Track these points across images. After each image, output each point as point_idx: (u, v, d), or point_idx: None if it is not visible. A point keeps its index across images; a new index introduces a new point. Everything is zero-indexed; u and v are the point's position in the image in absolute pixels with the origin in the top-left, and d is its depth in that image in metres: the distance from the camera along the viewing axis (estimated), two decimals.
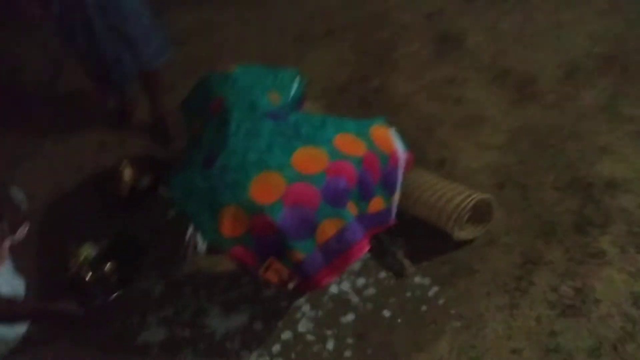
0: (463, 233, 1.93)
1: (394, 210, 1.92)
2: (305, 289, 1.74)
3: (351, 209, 1.71)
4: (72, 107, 3.01)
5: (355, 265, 1.98)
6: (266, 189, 1.67)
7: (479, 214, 1.96)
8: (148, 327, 1.94)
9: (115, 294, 1.94)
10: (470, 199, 1.89)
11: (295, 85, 2.28)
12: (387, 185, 1.86)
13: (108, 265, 2.03)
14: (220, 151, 1.78)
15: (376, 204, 1.82)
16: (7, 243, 1.85)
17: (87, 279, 2.00)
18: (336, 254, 1.67)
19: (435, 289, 1.87)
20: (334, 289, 1.93)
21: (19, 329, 1.95)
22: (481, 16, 2.94)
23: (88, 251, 2.09)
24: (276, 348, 1.80)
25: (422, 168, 2.11)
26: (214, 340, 1.86)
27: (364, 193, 1.77)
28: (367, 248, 1.70)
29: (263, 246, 1.68)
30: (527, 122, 2.33)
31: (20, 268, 2.01)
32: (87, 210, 2.38)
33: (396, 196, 1.92)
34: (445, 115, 2.47)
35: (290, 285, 1.71)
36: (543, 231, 1.93)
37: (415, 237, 2.01)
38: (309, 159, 1.72)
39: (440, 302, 1.83)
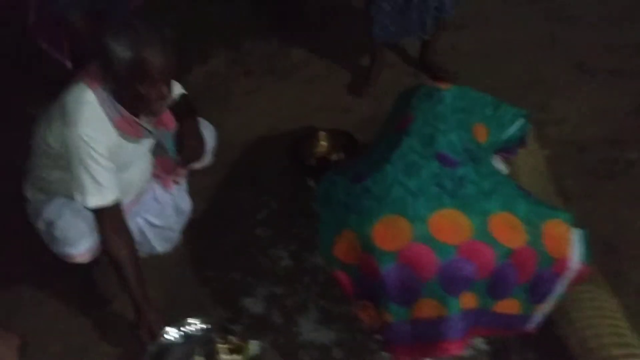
0: None
1: (536, 319, 1.61)
2: (387, 350, 1.58)
3: (465, 300, 1.47)
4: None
5: (469, 349, 1.73)
6: (389, 233, 1.52)
7: None
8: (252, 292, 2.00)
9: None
10: (629, 357, 1.48)
11: (514, 127, 2.02)
12: (535, 292, 1.55)
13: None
14: (372, 172, 1.66)
15: (507, 305, 1.54)
16: (184, 170, 2.05)
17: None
18: (424, 338, 1.47)
19: None
20: None
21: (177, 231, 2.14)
22: None
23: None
24: None
25: (596, 285, 1.71)
26: (296, 339, 1.84)
27: (493, 289, 1.50)
28: (458, 350, 1.46)
29: (364, 285, 1.56)
30: None
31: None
32: (274, 164, 2.47)
33: (545, 306, 1.60)
34: None
35: (378, 337, 1.58)
36: None
37: (544, 350, 1.68)
38: (449, 224, 1.50)
39: None
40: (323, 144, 2.48)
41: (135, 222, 1.94)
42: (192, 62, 3.13)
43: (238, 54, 3.26)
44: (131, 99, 1.61)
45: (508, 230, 1.51)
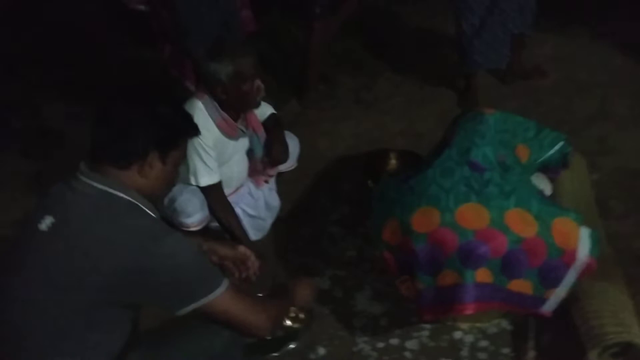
0: None
1: (551, 304, 1.92)
2: (418, 312, 1.95)
3: (480, 274, 1.82)
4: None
5: (493, 329, 2.05)
6: (424, 220, 1.91)
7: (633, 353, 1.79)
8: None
9: None
10: (624, 333, 1.75)
11: (553, 149, 2.33)
12: (545, 276, 1.87)
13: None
14: (417, 175, 2.07)
15: (520, 285, 1.86)
16: (274, 170, 2.57)
17: None
18: (444, 301, 1.84)
19: None
20: (457, 334, 2.06)
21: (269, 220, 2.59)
22: None
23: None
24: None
25: (610, 282, 1.97)
26: (352, 309, 2.22)
27: (507, 269, 1.84)
28: (469, 311, 1.80)
29: (403, 261, 1.96)
30: None
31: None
32: (350, 178, 2.91)
33: (558, 292, 1.90)
34: None
35: (413, 305, 1.96)
36: None
37: (560, 334, 1.96)
38: (471, 214, 1.87)
39: None
40: (393, 162, 2.89)
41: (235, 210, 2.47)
42: (290, 94, 3.70)
43: (330, 85, 3.79)
44: (237, 98, 2.18)
45: (521, 222, 1.85)
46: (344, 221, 2.67)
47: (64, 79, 3.87)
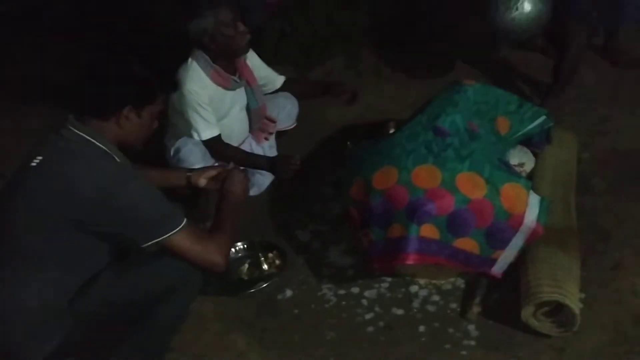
0: (534, 322, 1.91)
1: (501, 265, 2.04)
2: (370, 262, 2.11)
3: (425, 229, 1.96)
4: None
5: (447, 285, 2.19)
6: (383, 178, 2.07)
7: (565, 315, 1.88)
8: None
9: None
10: (556, 294, 1.84)
11: (534, 124, 2.41)
12: (492, 238, 1.99)
13: None
14: (387, 138, 2.22)
15: (466, 243, 1.99)
16: (274, 127, 2.78)
17: None
18: (390, 251, 1.99)
19: (473, 343, 1.97)
20: (413, 288, 2.21)
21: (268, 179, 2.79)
22: None
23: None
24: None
25: (562, 249, 2.05)
26: (324, 260, 2.39)
27: (452, 227, 1.97)
28: (409, 261, 1.95)
29: (364, 217, 2.12)
30: None
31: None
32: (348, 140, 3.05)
33: (506, 254, 2.02)
34: None
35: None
36: None
37: (507, 295, 2.07)
38: (425, 174, 2.01)
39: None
40: (391, 131, 3.02)
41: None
42: (314, 62, 3.86)
43: (354, 58, 3.92)
44: (225, 45, 2.40)
45: (470, 184, 1.98)
46: (336, 183, 2.84)
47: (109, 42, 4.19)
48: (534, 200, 1.99)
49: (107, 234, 1.73)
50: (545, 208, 1.99)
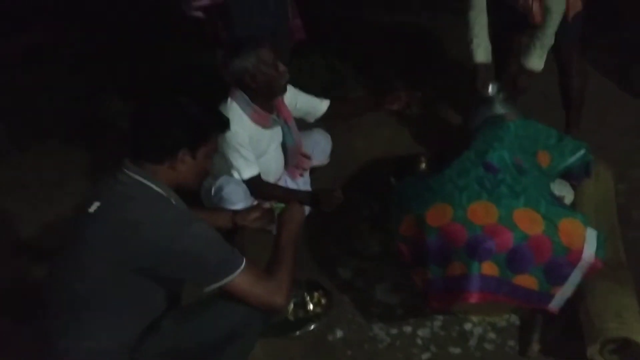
0: (600, 359, 1.89)
1: (558, 301, 2.01)
2: (427, 300, 2.08)
3: (486, 267, 1.94)
4: None
5: (502, 322, 2.16)
6: (437, 215, 2.05)
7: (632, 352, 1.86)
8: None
9: None
10: (623, 330, 1.82)
11: (574, 157, 2.42)
12: (551, 274, 1.97)
13: None
14: (436, 174, 2.21)
15: (525, 280, 1.97)
16: (308, 163, 2.77)
17: None
18: (450, 289, 1.97)
19: None
20: (467, 326, 2.17)
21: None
22: None
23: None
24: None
25: (619, 284, 2.04)
26: (371, 299, 2.36)
27: (512, 264, 1.95)
28: (472, 300, 1.92)
29: (418, 254, 2.10)
30: None
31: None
32: (382, 178, 3.05)
33: (564, 290, 2.00)
34: None
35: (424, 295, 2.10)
36: None
37: (565, 331, 2.06)
38: (481, 211, 2.00)
39: None
40: (423, 165, 3.02)
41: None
42: (333, 96, 3.88)
43: (373, 93, 3.95)
44: (265, 84, 2.41)
45: (528, 221, 1.97)
46: (372, 218, 2.82)
47: (124, 77, 4.21)
48: (591, 235, 1.98)
49: (168, 278, 1.69)
50: (602, 243, 1.99)
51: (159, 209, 1.66)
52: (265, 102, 2.51)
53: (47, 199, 3.20)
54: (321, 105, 2.76)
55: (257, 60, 2.38)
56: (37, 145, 3.71)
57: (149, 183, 1.70)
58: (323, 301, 2.33)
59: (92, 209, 1.67)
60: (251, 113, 2.47)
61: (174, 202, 1.74)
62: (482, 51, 2.83)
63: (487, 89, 2.79)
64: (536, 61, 2.73)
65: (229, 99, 2.47)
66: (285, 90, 2.55)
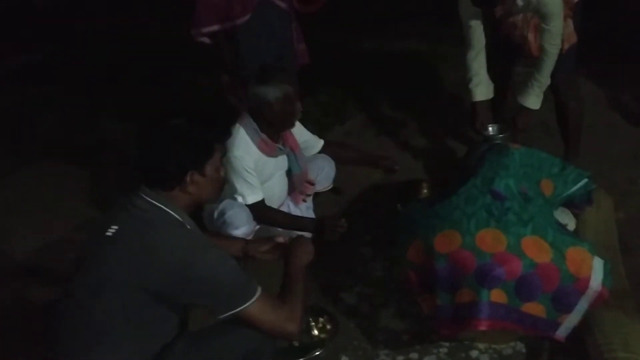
0: None
1: (565, 329, 2.02)
2: (436, 327, 2.08)
3: (495, 294, 1.95)
4: None
5: (508, 350, 2.16)
6: (445, 242, 2.06)
7: None
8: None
9: None
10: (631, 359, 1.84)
11: (577, 186, 2.45)
12: (558, 302, 1.98)
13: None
14: (443, 200, 2.23)
15: (533, 308, 1.98)
16: (312, 189, 2.78)
17: None
18: (460, 316, 1.97)
19: None
20: (474, 353, 2.17)
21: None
22: None
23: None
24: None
25: (624, 312, 2.06)
26: (376, 324, 2.35)
27: (520, 291, 1.96)
28: (482, 327, 1.93)
29: (426, 280, 2.10)
30: None
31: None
32: (384, 204, 3.06)
33: (571, 318, 2.01)
34: None
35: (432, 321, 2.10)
36: None
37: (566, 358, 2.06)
38: (490, 238, 2.01)
39: None
40: (425, 191, 3.04)
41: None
42: (333, 122, 3.92)
43: (372, 118, 3.99)
44: (282, 120, 2.46)
45: (536, 249, 1.99)
46: (374, 243, 2.83)
47: (125, 99, 4.22)
48: (598, 263, 2.01)
49: (182, 304, 1.68)
50: (609, 271, 2.01)
51: (177, 235, 1.66)
52: (274, 133, 2.53)
53: (44, 219, 3.18)
54: (317, 145, 2.83)
55: (282, 95, 2.41)
56: (34, 165, 3.70)
57: (165, 208, 1.69)
58: (328, 327, 2.32)
59: (109, 232, 1.66)
60: (258, 141, 2.48)
61: (189, 228, 1.74)
62: (481, 90, 2.91)
63: (486, 129, 2.92)
64: (533, 100, 2.81)
65: (237, 124, 2.48)
66: (294, 125, 2.58)
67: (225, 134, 1.87)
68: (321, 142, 2.84)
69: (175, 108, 3.77)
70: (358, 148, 3.07)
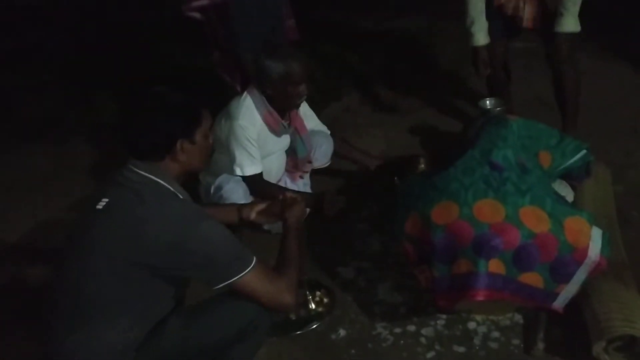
0: (605, 357, 1.89)
1: (562, 299, 2.01)
2: (433, 299, 2.07)
3: (493, 264, 1.93)
4: None
5: (506, 321, 2.16)
6: (443, 213, 2.04)
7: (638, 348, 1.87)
8: None
9: None
10: (628, 327, 1.83)
11: (575, 158, 2.44)
12: (556, 272, 1.97)
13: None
14: (440, 172, 2.21)
15: (531, 278, 1.97)
16: (309, 166, 2.76)
17: None
18: (457, 287, 1.96)
19: None
20: (471, 325, 2.17)
21: None
22: None
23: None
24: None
25: (622, 282, 2.05)
26: (373, 298, 2.34)
27: (518, 262, 1.95)
28: (479, 298, 1.91)
29: (423, 252, 2.09)
30: None
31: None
32: (381, 179, 3.04)
33: (569, 288, 2.00)
34: None
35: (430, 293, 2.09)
36: None
37: (570, 329, 2.05)
38: (488, 209, 1.99)
39: None
40: (422, 167, 3.02)
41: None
42: (330, 98, 3.88)
43: (369, 95, 3.97)
44: (282, 98, 2.40)
45: (534, 219, 1.97)
46: (371, 218, 2.82)
47: (118, 77, 4.17)
48: (596, 233, 1.99)
49: (177, 277, 1.66)
50: (607, 241, 1.99)
51: (168, 206, 1.63)
52: (278, 109, 2.49)
53: (40, 198, 3.16)
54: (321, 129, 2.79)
55: (285, 73, 2.35)
56: (29, 146, 3.67)
57: (156, 178, 1.67)
58: (325, 300, 2.32)
59: (100, 205, 1.64)
60: (264, 112, 2.45)
61: (181, 197, 1.71)
62: (482, 34, 2.87)
63: (487, 68, 2.92)
64: (572, 22, 2.69)
65: (245, 93, 2.45)
66: (297, 107, 2.55)
67: (206, 101, 1.83)
68: (328, 133, 2.81)
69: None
70: (359, 148, 3.00)
